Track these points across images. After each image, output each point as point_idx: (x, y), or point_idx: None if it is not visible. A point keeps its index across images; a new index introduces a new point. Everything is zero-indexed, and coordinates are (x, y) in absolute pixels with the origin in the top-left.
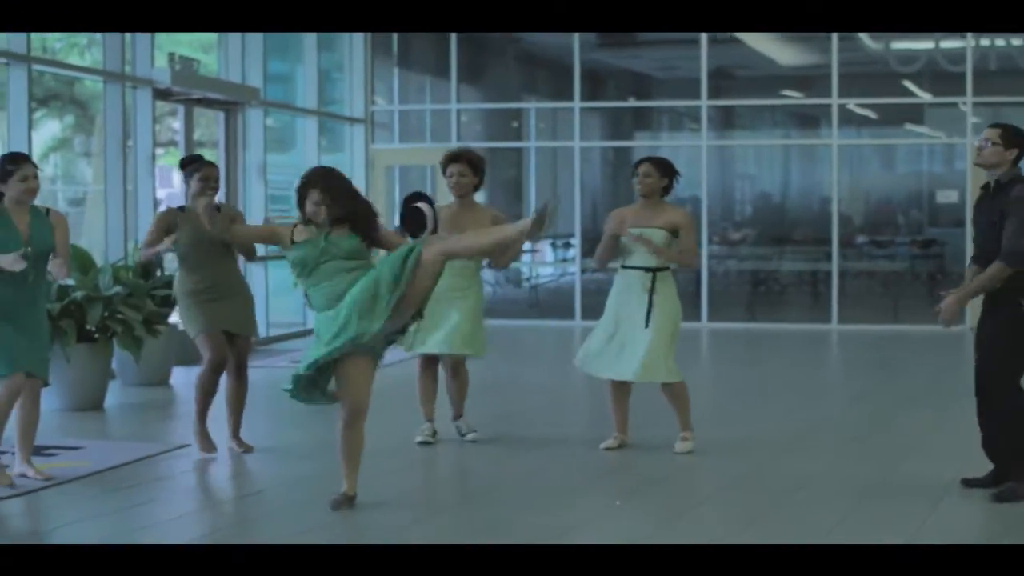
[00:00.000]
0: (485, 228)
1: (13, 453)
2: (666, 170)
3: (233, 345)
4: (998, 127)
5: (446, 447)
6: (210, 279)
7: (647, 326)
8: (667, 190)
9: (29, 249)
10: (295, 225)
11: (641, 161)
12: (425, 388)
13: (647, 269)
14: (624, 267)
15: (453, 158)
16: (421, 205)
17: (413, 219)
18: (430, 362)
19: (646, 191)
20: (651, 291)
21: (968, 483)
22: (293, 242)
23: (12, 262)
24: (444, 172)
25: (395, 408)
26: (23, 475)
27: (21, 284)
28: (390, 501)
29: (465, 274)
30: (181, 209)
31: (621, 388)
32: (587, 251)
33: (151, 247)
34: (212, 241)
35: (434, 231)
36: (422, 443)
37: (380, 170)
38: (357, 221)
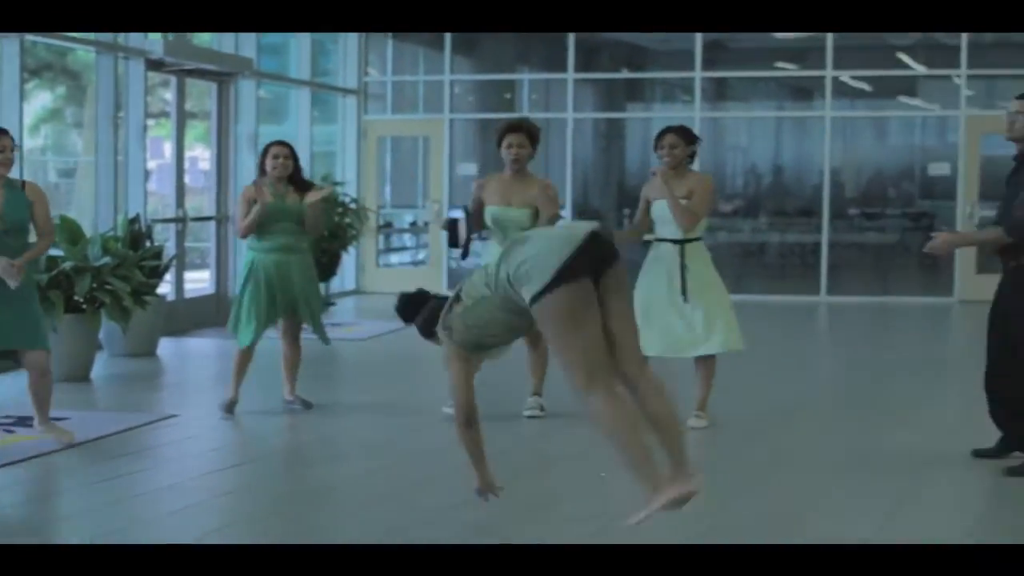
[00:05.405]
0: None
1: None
2: (690, 137)
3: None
4: None
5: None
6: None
7: (686, 300)
8: (692, 157)
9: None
10: None
11: (664, 132)
12: None
13: (675, 241)
14: (656, 240)
15: (512, 128)
16: (457, 216)
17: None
18: None
19: (674, 163)
20: (682, 264)
21: (978, 454)
22: None
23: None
24: (500, 142)
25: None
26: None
27: None
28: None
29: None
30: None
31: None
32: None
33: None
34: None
35: (468, 241)
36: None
37: (372, 141)
38: None
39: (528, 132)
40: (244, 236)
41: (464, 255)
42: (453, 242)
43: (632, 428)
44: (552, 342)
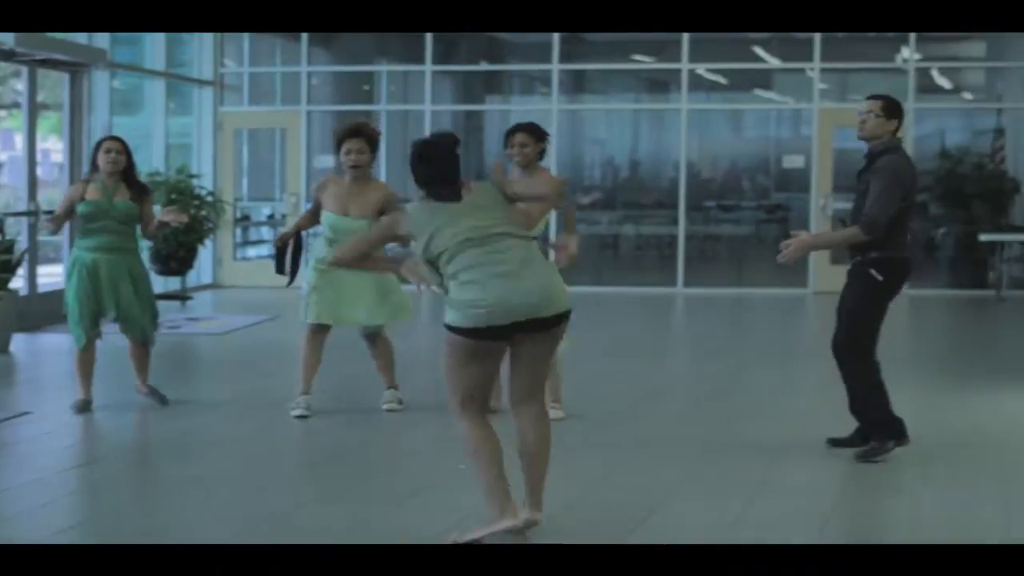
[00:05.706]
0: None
1: None
2: (540, 135)
3: None
4: (879, 99)
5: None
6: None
7: None
8: (543, 154)
9: None
10: None
11: (514, 130)
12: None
13: None
14: None
15: (352, 133)
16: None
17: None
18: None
19: (525, 162)
20: None
21: (834, 443)
22: None
23: None
24: (339, 147)
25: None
26: None
27: None
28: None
29: None
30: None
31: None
32: None
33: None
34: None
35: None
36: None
37: (229, 133)
38: None
39: (368, 138)
40: (52, 233)
41: (289, 283)
42: (279, 268)
43: (492, 454)
44: (443, 362)
